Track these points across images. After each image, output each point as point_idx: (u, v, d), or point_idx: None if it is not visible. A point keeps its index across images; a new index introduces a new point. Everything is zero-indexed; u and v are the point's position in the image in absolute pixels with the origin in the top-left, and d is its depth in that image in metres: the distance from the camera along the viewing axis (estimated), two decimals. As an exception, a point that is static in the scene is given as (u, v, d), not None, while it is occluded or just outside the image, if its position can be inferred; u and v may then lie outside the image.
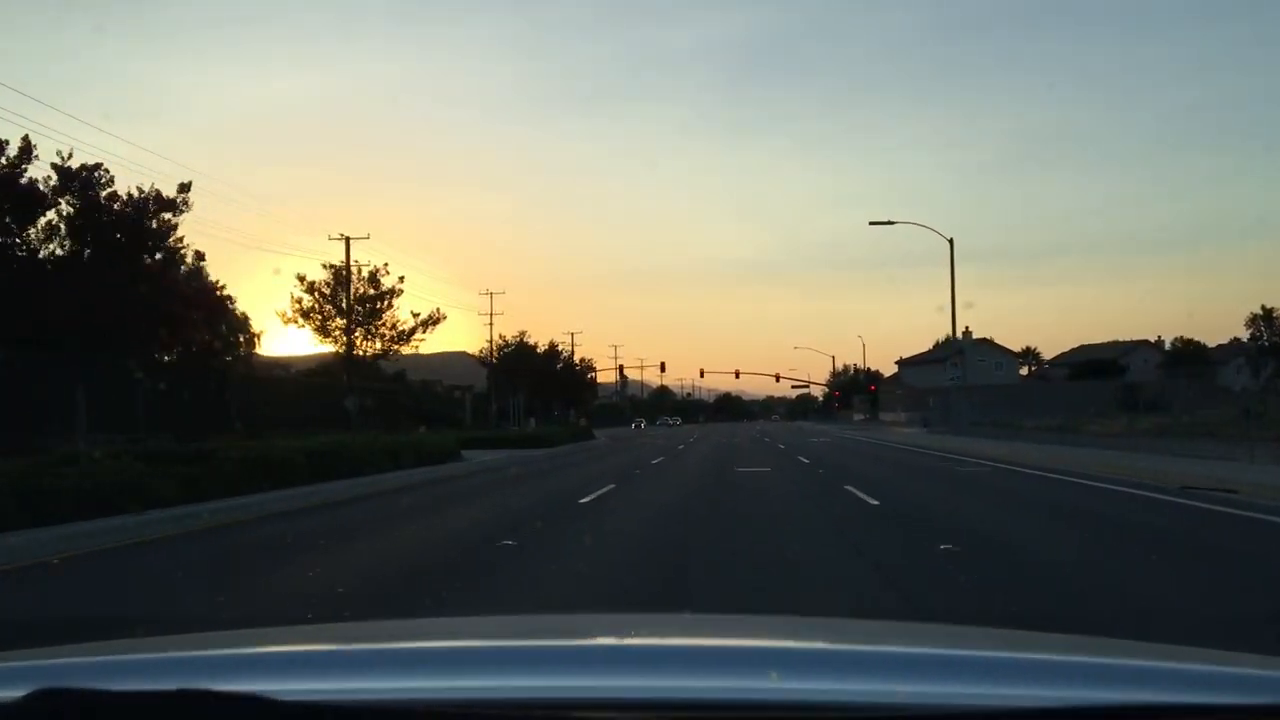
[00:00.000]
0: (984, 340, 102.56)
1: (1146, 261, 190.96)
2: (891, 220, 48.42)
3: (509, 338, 58.31)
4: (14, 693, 1.15)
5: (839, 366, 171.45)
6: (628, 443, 52.56)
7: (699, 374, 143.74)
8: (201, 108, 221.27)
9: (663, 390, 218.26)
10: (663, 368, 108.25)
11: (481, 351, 57.11)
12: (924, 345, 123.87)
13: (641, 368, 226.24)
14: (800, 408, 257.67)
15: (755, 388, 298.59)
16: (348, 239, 60.87)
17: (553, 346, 60.33)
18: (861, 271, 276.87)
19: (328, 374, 61.47)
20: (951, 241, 48.46)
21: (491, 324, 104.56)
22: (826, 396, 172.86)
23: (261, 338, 53.37)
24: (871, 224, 48.91)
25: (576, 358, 63.05)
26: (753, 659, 1.67)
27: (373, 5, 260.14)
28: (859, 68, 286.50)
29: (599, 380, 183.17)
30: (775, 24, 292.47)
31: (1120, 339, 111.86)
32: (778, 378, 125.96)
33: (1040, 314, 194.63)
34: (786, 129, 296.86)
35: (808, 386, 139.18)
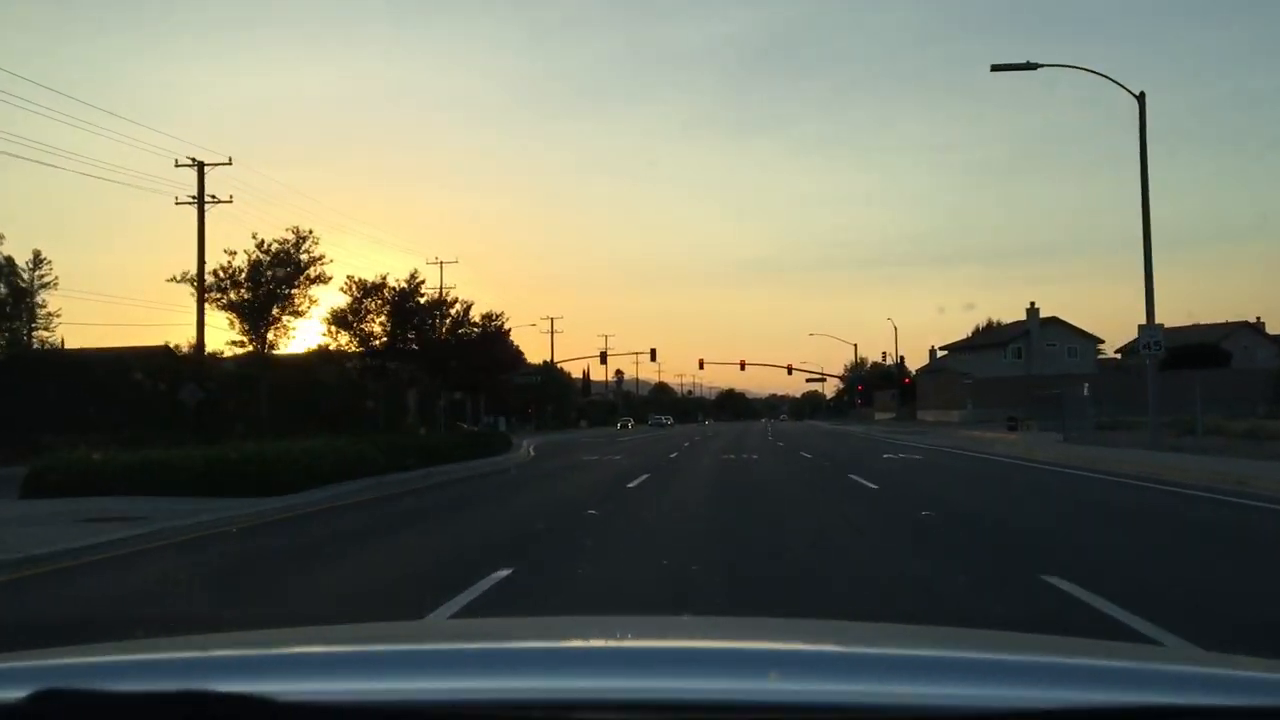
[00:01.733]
0: (1052, 320, 79.73)
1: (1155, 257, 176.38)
2: (1032, 63, 25.84)
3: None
4: (15, 693, 1.12)
5: (858, 358, 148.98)
6: (566, 460, 30.07)
7: (698, 364, 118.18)
8: (196, 104, 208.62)
9: (661, 387, 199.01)
10: (653, 355, 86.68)
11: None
12: (941, 341, 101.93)
13: (635, 358, 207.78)
14: (806, 405, 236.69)
15: (758, 385, 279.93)
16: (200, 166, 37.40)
17: (414, 280, 34.56)
18: (865, 270, 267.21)
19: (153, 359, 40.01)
20: (1141, 97, 26.05)
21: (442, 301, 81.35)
22: (845, 390, 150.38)
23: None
24: (995, 69, 26.12)
25: (476, 313, 37.73)
26: (752, 660, 1.62)
27: (372, 2, 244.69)
28: (861, 67, 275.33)
29: (593, 378, 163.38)
30: (777, 23, 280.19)
31: (1202, 322, 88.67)
32: (790, 369, 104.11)
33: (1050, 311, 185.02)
34: (789, 128, 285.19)
35: (825, 379, 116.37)
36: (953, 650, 1.76)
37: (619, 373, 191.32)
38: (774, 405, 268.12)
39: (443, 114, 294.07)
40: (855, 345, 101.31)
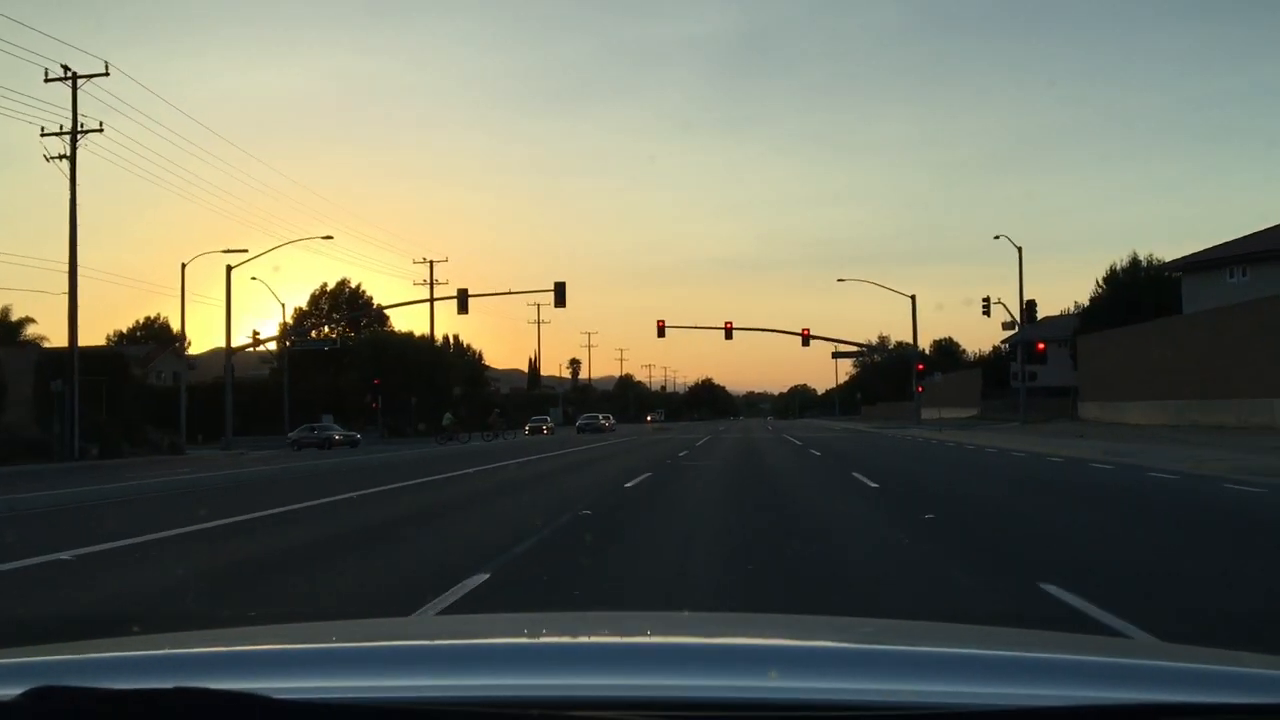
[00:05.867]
0: None
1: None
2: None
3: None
4: (10, 691, 1.08)
5: (874, 339, 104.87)
6: None
7: (657, 330, 56.34)
8: (176, 99, 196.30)
9: (627, 381, 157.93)
10: (559, 296, 40.72)
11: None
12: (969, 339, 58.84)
13: (587, 341, 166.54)
14: (794, 401, 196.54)
15: (733, 383, 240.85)
16: None
17: None
18: (846, 268, 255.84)
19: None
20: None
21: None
22: (871, 375, 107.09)
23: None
24: None
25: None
26: (752, 658, 1.55)
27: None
28: (843, 65, 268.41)
29: (544, 373, 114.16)
30: (759, 20, 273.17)
31: None
32: (806, 338, 60.09)
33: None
34: (767, 126, 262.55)
35: (864, 352, 72.42)
36: (953, 647, 1.68)
37: (574, 362, 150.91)
38: (753, 403, 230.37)
39: (416, 112, 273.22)
40: (913, 297, 57.20)
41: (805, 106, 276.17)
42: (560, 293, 43.08)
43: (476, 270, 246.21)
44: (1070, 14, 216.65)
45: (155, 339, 77.40)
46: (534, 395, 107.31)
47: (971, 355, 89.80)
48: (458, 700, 1.18)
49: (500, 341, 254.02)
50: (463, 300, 43.77)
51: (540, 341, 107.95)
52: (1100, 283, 61.98)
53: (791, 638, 1.93)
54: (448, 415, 52.45)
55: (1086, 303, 62.45)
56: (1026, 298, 45.40)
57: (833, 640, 1.89)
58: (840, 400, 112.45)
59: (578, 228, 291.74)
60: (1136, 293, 56.18)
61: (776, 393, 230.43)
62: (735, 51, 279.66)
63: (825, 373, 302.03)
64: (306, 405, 58.38)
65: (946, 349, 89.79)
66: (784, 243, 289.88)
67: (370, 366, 62.32)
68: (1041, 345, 46.50)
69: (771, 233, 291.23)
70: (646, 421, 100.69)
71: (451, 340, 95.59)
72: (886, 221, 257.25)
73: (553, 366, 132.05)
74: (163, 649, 1.60)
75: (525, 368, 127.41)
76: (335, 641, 1.86)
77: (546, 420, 65.29)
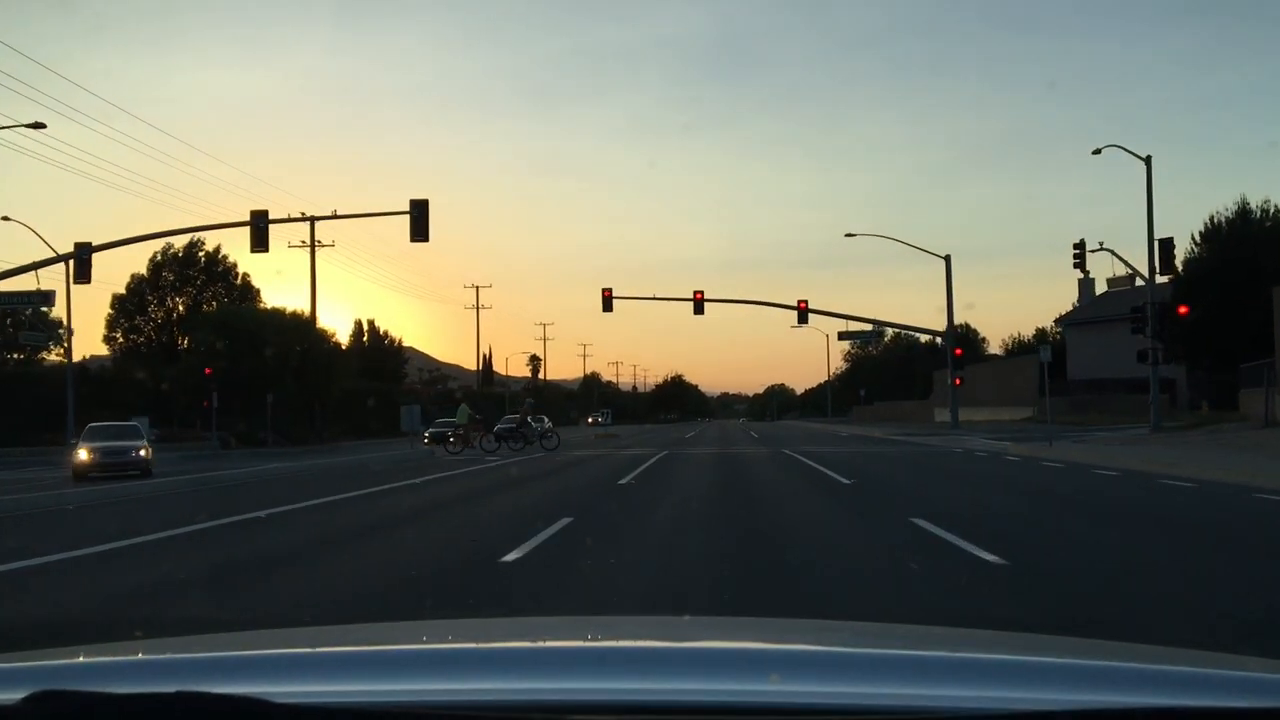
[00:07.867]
0: None
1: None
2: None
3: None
4: (13, 695, 1.08)
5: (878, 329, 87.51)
6: None
7: (603, 301, 41.80)
8: (146, 99, 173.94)
9: (593, 380, 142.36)
10: (418, 223, 22.56)
11: None
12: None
13: (543, 334, 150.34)
14: (772, 401, 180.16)
15: (710, 382, 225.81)
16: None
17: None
18: (839, 268, 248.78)
19: None
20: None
21: None
22: (877, 368, 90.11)
23: None
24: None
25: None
26: (753, 661, 1.55)
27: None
28: (821, 66, 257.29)
29: (499, 372, 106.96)
30: (730, 22, 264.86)
31: None
32: (803, 313, 42.69)
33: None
34: (737, 128, 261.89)
35: (875, 334, 55.86)
36: (954, 651, 1.66)
37: (534, 358, 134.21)
38: (727, 403, 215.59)
39: (381, 112, 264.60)
40: (948, 257, 40.41)
41: (782, 108, 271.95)
42: (420, 216, 25.55)
43: (429, 269, 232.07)
44: (1058, 14, 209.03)
45: (37, 327, 60.18)
46: (487, 394, 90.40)
47: (996, 347, 73.28)
48: (459, 704, 1.17)
49: (468, 345, 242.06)
50: (259, 228, 26.07)
51: (479, 329, 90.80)
52: (1197, 239, 45.63)
53: (793, 642, 1.90)
54: (463, 409, 37.52)
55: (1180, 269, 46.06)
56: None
57: (834, 644, 1.86)
58: (833, 398, 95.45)
59: (538, 226, 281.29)
60: (1253, 248, 41.07)
61: (752, 394, 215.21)
62: (707, 54, 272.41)
63: (804, 373, 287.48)
64: (133, 406, 41.03)
65: (964, 338, 72.79)
66: (756, 245, 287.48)
67: (217, 352, 44.86)
68: (1184, 308, 29.66)
69: (742, 235, 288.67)
70: (587, 423, 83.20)
71: (365, 326, 78.03)
72: (870, 225, 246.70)
73: (519, 365, 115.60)
74: (165, 653, 1.59)
75: (502, 368, 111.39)
76: (336, 645, 1.84)
77: (454, 424, 47.50)
